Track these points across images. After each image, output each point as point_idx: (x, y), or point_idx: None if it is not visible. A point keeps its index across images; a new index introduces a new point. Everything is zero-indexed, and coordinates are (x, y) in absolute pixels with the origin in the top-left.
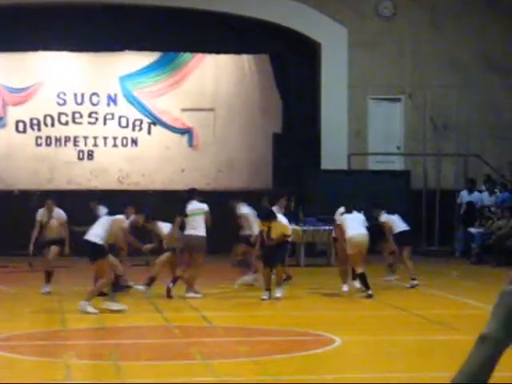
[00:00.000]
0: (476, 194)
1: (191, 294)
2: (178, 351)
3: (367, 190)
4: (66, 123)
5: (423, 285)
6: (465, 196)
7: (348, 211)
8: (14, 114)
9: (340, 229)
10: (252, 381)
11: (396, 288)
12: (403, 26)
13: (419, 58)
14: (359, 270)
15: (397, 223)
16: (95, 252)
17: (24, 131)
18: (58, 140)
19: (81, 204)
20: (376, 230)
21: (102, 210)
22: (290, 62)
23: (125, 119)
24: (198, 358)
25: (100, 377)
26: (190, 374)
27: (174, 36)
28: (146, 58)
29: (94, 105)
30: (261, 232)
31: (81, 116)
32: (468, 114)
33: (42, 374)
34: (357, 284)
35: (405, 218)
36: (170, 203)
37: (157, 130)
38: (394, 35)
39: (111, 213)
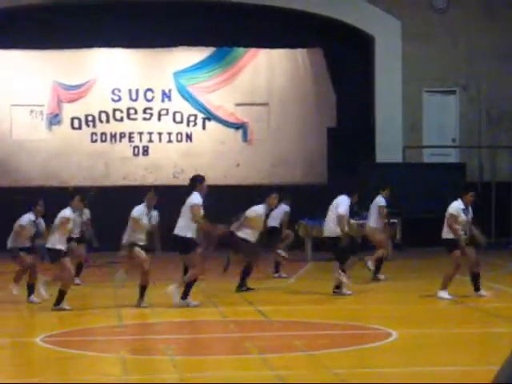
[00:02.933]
0: None
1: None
2: (234, 345)
3: (422, 183)
4: (121, 119)
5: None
6: None
7: None
8: (69, 110)
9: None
10: (308, 375)
11: (452, 281)
12: (457, 17)
13: (473, 50)
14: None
15: None
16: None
17: (79, 128)
18: (113, 136)
19: (136, 199)
20: None
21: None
22: (344, 56)
23: (179, 115)
24: (254, 352)
25: (157, 372)
26: (246, 368)
27: (228, 31)
28: (199, 54)
29: (148, 101)
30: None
31: (135, 112)
32: None
33: (99, 368)
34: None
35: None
36: (225, 198)
37: (211, 125)
38: (448, 27)
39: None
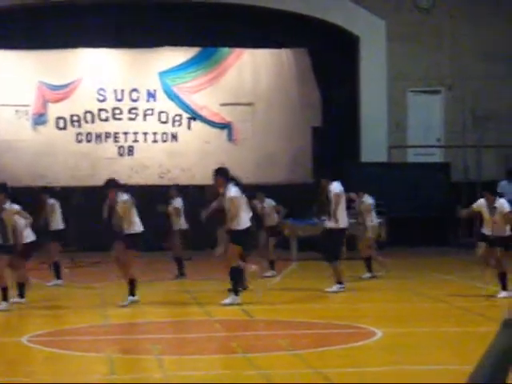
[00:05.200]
0: None
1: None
2: (219, 345)
3: (407, 182)
4: (106, 119)
5: (463, 277)
6: (505, 187)
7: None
8: (54, 110)
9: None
10: (293, 374)
11: (434, 280)
12: (442, 17)
13: (458, 50)
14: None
15: None
16: None
17: (64, 128)
18: (98, 136)
19: None
20: None
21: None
22: (329, 56)
23: (164, 115)
24: (239, 351)
25: (142, 371)
26: (231, 368)
27: (213, 31)
28: (184, 54)
29: (133, 101)
30: None
31: (121, 112)
32: (508, 105)
33: (86, 368)
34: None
35: (446, 210)
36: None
37: (196, 124)
38: (433, 27)
39: None
